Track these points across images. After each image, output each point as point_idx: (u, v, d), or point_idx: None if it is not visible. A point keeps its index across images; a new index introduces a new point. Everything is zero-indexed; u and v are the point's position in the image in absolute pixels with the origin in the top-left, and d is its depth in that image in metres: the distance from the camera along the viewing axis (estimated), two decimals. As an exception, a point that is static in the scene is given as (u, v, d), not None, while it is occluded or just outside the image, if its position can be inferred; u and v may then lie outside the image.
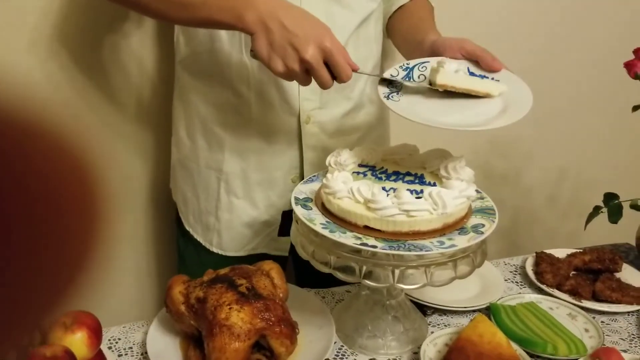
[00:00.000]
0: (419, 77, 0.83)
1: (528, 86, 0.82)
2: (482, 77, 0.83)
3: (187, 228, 1.11)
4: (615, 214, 1.09)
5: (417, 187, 0.78)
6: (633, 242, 1.14)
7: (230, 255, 1.08)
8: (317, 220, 0.75)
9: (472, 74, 0.83)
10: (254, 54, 0.79)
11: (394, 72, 0.84)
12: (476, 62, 0.85)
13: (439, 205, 0.73)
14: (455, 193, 0.74)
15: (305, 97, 0.97)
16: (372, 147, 0.87)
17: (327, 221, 0.76)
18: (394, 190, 0.76)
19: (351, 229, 0.74)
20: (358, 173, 0.84)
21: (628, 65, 0.99)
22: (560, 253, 1.09)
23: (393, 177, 0.82)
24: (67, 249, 0.22)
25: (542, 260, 1.06)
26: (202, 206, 1.07)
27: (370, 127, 1.07)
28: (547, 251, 1.08)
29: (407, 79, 0.83)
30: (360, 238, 0.72)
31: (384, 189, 0.77)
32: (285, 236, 1.06)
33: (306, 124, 0.99)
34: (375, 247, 0.70)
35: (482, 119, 0.78)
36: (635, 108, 1.02)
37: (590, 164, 1.66)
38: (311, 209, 0.79)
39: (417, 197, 0.74)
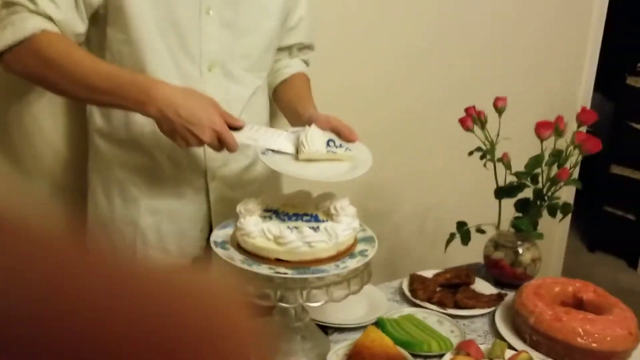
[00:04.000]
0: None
1: (370, 152, 1.06)
2: (339, 146, 1.05)
3: None
4: (465, 238, 1.36)
5: (314, 224, 0.97)
6: (482, 261, 1.42)
7: None
8: (236, 258, 0.91)
9: (330, 141, 1.04)
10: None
11: None
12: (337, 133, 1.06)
13: (333, 236, 0.92)
14: (344, 226, 0.95)
15: (210, 157, 1.13)
16: (274, 195, 1.06)
17: (244, 258, 0.92)
18: (296, 228, 0.94)
19: (265, 262, 0.91)
20: (265, 217, 1.01)
21: (461, 121, 1.28)
22: (428, 274, 1.33)
23: (294, 218, 1.01)
24: None
25: (415, 280, 1.29)
26: None
27: (266, 178, 1.25)
28: (418, 273, 1.32)
29: None
30: (273, 268, 0.89)
31: (288, 227, 0.95)
32: None
33: (212, 181, 1.15)
34: (286, 273, 0.88)
35: (334, 173, 1.01)
36: (470, 153, 1.31)
37: (447, 198, 1.98)
38: (229, 249, 0.95)
39: (315, 232, 0.93)
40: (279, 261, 0.91)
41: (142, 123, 1.09)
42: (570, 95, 2.27)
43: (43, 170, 1.27)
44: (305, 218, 1.01)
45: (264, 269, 0.88)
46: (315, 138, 1.02)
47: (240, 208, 1.01)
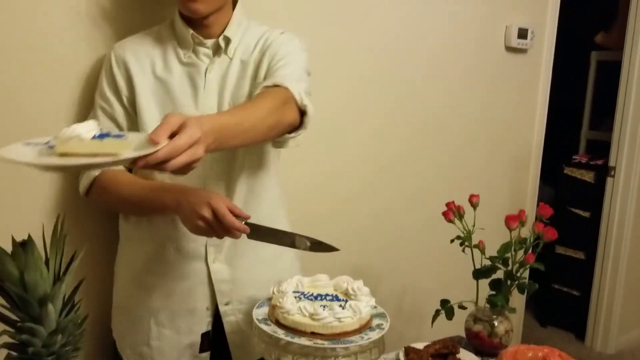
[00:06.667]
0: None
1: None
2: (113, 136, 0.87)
3: (125, 359, 1.35)
4: (449, 314, 1.59)
5: (341, 303, 1.18)
6: (463, 334, 1.64)
7: None
8: (279, 332, 1.10)
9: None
10: None
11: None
12: None
13: (357, 312, 1.13)
14: (364, 304, 1.16)
15: (210, 243, 1.32)
16: (300, 279, 1.26)
17: (285, 332, 1.11)
18: (327, 306, 1.15)
19: (302, 335, 1.10)
20: (296, 297, 1.21)
21: (444, 214, 1.54)
22: (420, 345, 1.54)
23: (319, 298, 1.21)
24: None
25: (410, 351, 1.49)
26: (138, 338, 1.34)
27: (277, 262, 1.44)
28: (411, 345, 1.53)
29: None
30: (312, 340, 1.08)
31: (320, 306, 1.15)
32: (205, 352, 1.35)
33: (212, 264, 1.33)
34: (324, 344, 1.07)
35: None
36: (452, 241, 1.56)
37: (424, 277, 2.22)
38: (270, 325, 1.14)
39: (342, 309, 1.14)
40: (313, 334, 1.10)
41: (158, 221, 1.30)
42: (522, 189, 2.65)
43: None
44: (328, 298, 1.22)
45: (304, 341, 1.08)
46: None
47: (273, 289, 1.21)
